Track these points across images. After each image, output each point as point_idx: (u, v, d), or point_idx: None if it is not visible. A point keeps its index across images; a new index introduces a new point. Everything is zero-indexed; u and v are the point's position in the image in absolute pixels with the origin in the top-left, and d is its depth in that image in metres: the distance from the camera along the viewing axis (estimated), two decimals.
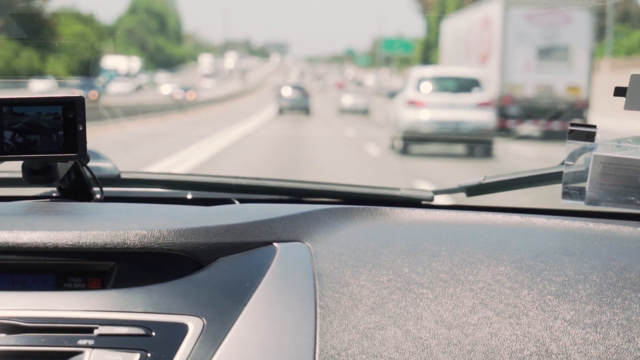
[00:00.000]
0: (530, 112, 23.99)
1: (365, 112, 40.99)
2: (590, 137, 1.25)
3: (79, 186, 1.40)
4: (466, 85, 16.06)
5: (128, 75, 64.86)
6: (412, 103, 15.36)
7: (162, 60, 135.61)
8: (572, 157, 1.27)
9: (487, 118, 15.40)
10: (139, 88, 56.04)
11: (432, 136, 15.38)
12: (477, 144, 15.15)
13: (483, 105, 15.45)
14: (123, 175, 1.53)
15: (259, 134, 20.15)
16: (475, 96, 15.70)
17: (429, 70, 16.92)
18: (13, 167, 1.35)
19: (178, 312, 1.04)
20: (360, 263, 1.14)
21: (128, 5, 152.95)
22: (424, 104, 15.28)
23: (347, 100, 41.74)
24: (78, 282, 1.13)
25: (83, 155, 1.27)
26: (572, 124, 1.27)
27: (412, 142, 15.40)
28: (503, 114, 24.01)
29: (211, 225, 1.18)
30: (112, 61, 67.63)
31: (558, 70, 24.16)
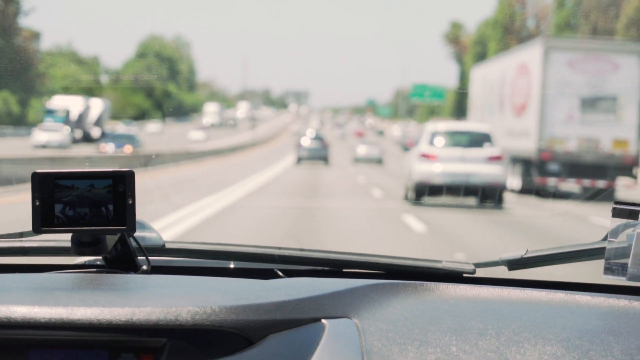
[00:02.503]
0: (573, 168, 23.70)
1: (379, 161, 48.71)
2: (633, 215, 1.41)
3: (125, 256, 1.56)
4: (477, 139, 18.78)
5: (79, 121, 56.38)
6: (425, 156, 18.25)
7: (171, 107, 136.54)
8: (615, 233, 1.43)
9: (497, 171, 18.08)
10: (101, 138, 44.08)
11: (443, 188, 18.01)
12: (488, 197, 18.17)
13: (493, 159, 18.17)
14: (167, 245, 1.68)
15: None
16: (485, 150, 18.42)
17: (442, 125, 20.03)
18: (61, 236, 1.51)
19: None
20: (407, 340, 1.27)
21: (136, 49, 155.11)
22: (437, 157, 18.14)
23: (362, 150, 50.60)
24: (130, 358, 1.26)
25: (132, 228, 1.43)
26: (617, 202, 1.43)
27: (424, 193, 18.17)
28: (542, 171, 23.85)
29: (262, 302, 1.32)
30: (62, 102, 55.55)
31: (604, 123, 23.82)
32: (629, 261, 1.40)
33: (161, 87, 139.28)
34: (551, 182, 24.22)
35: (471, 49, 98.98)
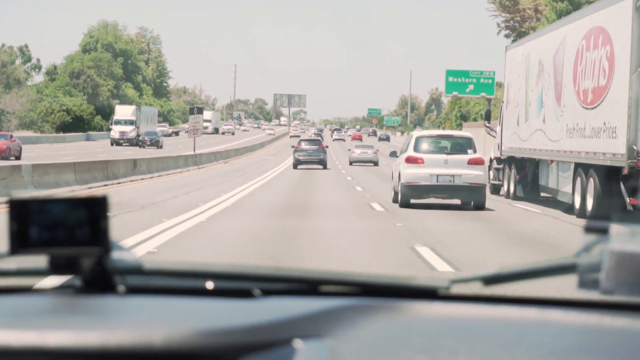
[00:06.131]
0: None
1: (375, 163, 75.94)
2: (604, 230, 2.01)
3: (101, 277, 2.16)
4: (461, 144, 28.19)
5: None
6: (412, 160, 27.72)
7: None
8: (588, 248, 2.02)
9: (478, 173, 27.54)
10: None
11: (429, 190, 27.34)
12: (471, 197, 27.73)
13: (473, 162, 27.57)
14: (144, 266, 2.24)
15: None
16: (468, 154, 27.78)
17: (427, 132, 30.85)
18: (38, 258, 2.09)
19: None
20: None
21: (82, 40, 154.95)
22: (422, 161, 27.56)
23: (357, 152, 78.34)
24: None
25: (107, 248, 2.05)
26: (589, 218, 2.04)
27: (411, 195, 27.63)
28: (636, 186, 21.82)
29: (234, 325, 1.89)
30: None
31: None
32: (602, 276, 1.98)
33: (109, 89, 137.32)
34: None
35: (549, 7, 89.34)
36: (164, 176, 47.40)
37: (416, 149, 27.97)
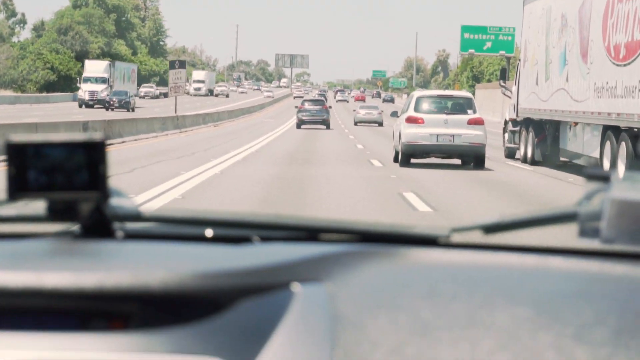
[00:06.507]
0: None
1: (379, 124, 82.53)
2: (605, 179, 2.12)
3: (100, 223, 2.25)
4: (461, 104, 31.09)
5: None
6: (413, 120, 30.36)
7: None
8: (589, 196, 2.13)
9: (478, 133, 30.19)
10: None
11: (429, 149, 30.09)
12: (470, 157, 30.44)
13: (473, 122, 30.35)
14: (143, 213, 2.33)
15: None
16: (468, 114, 30.59)
17: (428, 92, 33.80)
18: (37, 205, 2.19)
19: (198, 353, 1.80)
20: (378, 305, 1.89)
21: None
22: (423, 121, 30.19)
23: (362, 112, 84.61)
24: (101, 324, 1.90)
25: (106, 194, 2.13)
26: (589, 167, 2.15)
27: (412, 154, 30.47)
28: None
29: (232, 268, 1.98)
30: None
31: None
32: (603, 224, 2.08)
33: (100, 46, 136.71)
34: None
35: None
36: (130, 142, 42.89)
37: (417, 109, 30.83)
